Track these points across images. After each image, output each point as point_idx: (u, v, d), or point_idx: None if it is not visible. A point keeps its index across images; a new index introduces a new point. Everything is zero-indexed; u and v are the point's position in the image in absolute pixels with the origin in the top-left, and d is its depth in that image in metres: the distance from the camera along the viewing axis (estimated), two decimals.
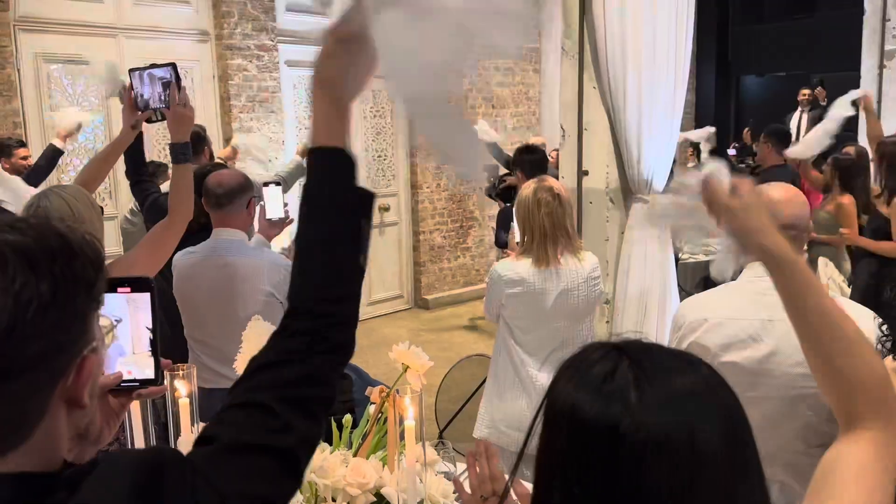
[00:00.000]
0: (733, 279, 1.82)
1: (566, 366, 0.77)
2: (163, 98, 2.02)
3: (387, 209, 6.87)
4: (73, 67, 5.00)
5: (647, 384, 0.70)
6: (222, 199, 2.47)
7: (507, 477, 1.24)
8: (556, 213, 2.40)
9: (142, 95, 2.06)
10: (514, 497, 1.24)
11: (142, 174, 2.90)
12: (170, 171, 2.06)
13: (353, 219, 0.88)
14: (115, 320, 0.95)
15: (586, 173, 3.51)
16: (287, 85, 6.04)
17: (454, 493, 1.54)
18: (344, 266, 0.87)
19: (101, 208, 2.15)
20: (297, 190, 3.84)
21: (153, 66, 2.05)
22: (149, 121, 2.10)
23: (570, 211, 2.45)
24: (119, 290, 0.94)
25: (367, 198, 0.89)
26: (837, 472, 0.90)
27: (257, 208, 2.66)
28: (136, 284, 0.95)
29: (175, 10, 5.50)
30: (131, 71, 2.08)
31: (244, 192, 2.51)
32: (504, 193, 5.26)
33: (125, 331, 0.95)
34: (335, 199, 0.88)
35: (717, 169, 1.15)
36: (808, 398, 1.60)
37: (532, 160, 4.27)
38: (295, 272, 0.88)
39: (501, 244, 5.05)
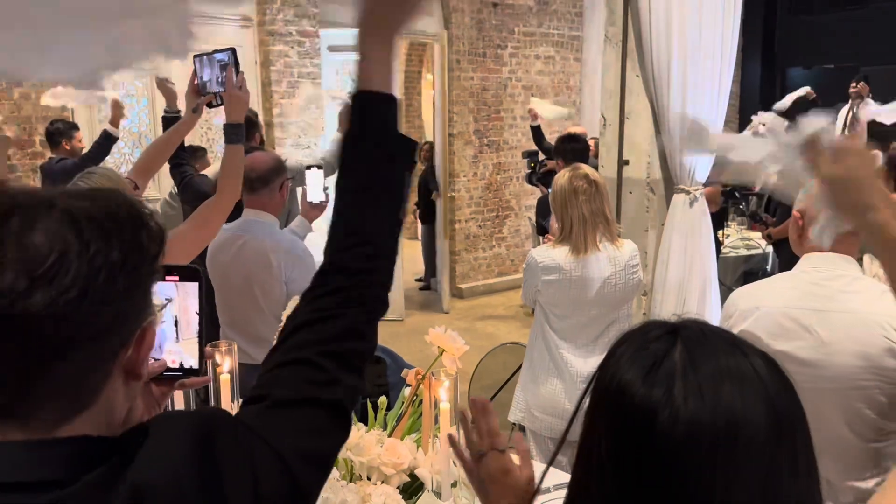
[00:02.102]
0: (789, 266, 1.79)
1: (623, 340, 0.76)
2: (220, 81, 2.04)
3: None
4: None
5: (695, 374, 0.68)
6: (255, 183, 2.48)
7: (509, 436, 1.21)
8: (594, 199, 2.37)
9: (202, 79, 2.09)
10: (514, 456, 1.15)
11: (181, 157, 2.96)
12: (209, 156, 2.09)
13: (396, 168, 0.86)
14: (165, 299, 0.96)
15: (627, 163, 3.47)
16: (328, 71, 6.07)
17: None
18: (384, 219, 0.86)
19: (136, 186, 2.18)
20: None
21: (215, 51, 2.09)
22: (209, 105, 2.13)
23: (607, 197, 2.42)
24: (168, 277, 0.95)
25: (411, 146, 0.87)
26: None
27: (299, 190, 2.67)
28: (185, 273, 0.96)
29: None
30: (195, 56, 2.11)
31: (276, 175, 2.52)
32: (544, 178, 5.19)
33: (171, 317, 0.95)
34: (378, 147, 0.85)
35: (824, 126, 1.00)
36: (862, 391, 1.57)
37: (574, 149, 4.22)
38: (333, 223, 0.87)
39: (542, 231, 5.03)
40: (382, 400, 1.81)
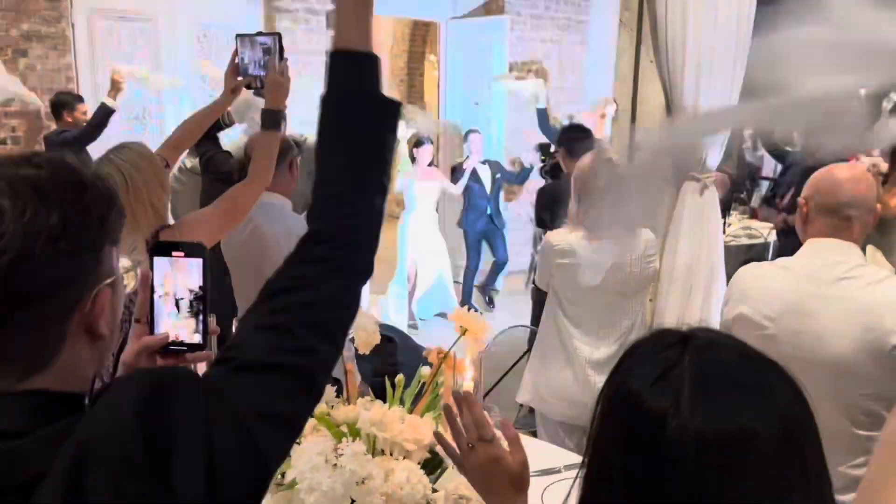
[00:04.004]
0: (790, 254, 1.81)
1: (635, 347, 0.77)
2: (262, 64, 2.02)
3: None
4: (127, 24, 5.04)
5: (704, 385, 0.68)
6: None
7: (497, 421, 1.20)
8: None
9: (242, 60, 2.06)
10: (504, 442, 1.15)
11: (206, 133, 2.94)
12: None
13: (378, 131, 0.83)
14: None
15: (638, 144, 3.47)
16: None
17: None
18: (368, 186, 0.84)
19: (168, 163, 2.16)
20: None
21: (259, 33, 2.07)
22: (248, 87, 2.12)
23: None
24: (174, 253, 0.94)
25: (394, 108, 0.84)
26: None
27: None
28: (191, 249, 0.95)
29: None
30: (238, 36, 2.08)
31: (283, 155, 2.47)
32: (553, 172, 5.03)
33: (176, 293, 0.95)
34: (361, 111, 0.83)
35: None
36: (859, 377, 1.59)
37: (578, 139, 4.02)
38: (316, 190, 0.84)
39: (541, 224, 4.75)
40: (400, 378, 1.81)
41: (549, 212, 4.02)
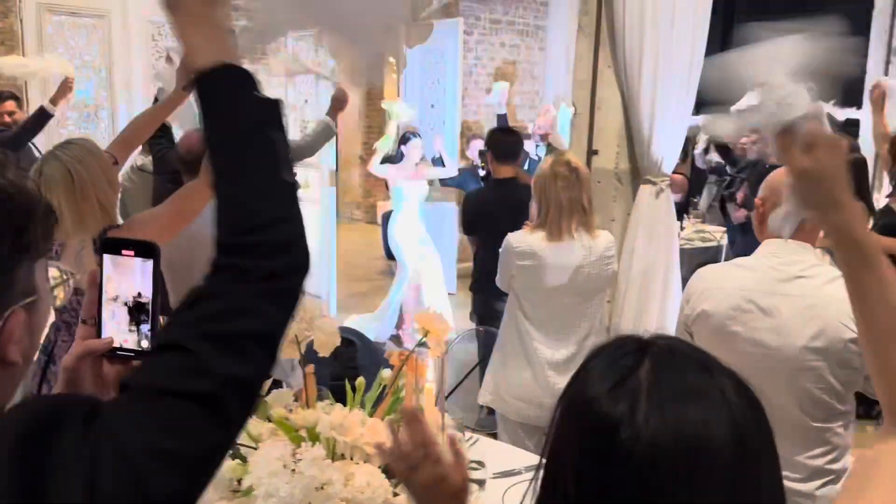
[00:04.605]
0: (746, 254, 1.85)
1: (594, 354, 0.77)
2: None
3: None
4: (78, 20, 4.91)
5: (660, 393, 0.68)
6: (191, 166, 2.38)
7: (445, 439, 1.16)
8: (573, 187, 2.40)
9: None
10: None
11: (159, 130, 2.86)
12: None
13: (263, 133, 0.80)
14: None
15: (596, 153, 3.51)
16: (307, 46, 5.95)
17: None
18: (266, 188, 0.79)
19: (116, 160, 2.10)
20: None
21: None
22: None
23: (588, 186, 2.45)
24: (124, 252, 0.87)
25: (273, 106, 0.81)
26: (883, 466, 0.85)
27: None
28: (142, 249, 0.88)
29: None
30: None
31: None
32: (488, 175, 4.75)
33: (125, 295, 0.88)
34: (237, 119, 0.79)
35: (811, 113, 0.92)
36: (815, 373, 1.65)
37: (506, 142, 3.88)
38: (216, 204, 0.80)
39: (467, 230, 4.21)
40: (360, 381, 1.80)
41: (471, 218, 3.86)
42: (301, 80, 6.07)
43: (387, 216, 7.98)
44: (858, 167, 4.38)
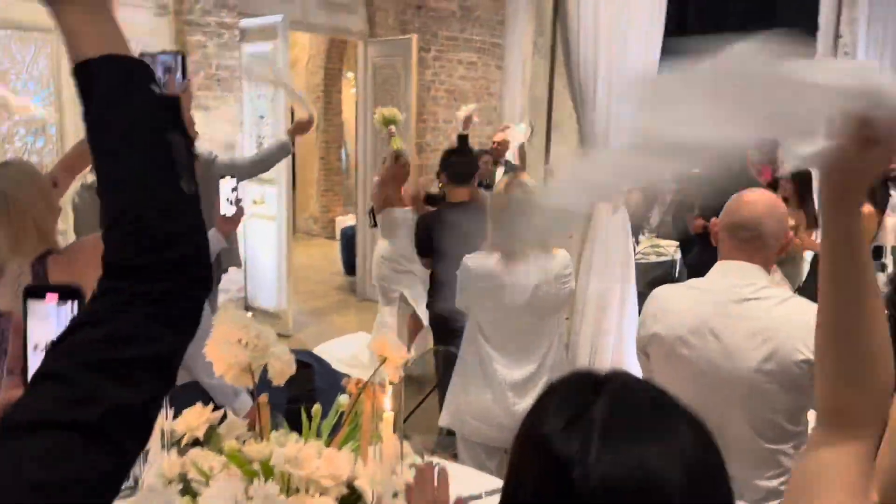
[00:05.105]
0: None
1: (549, 390, 0.76)
2: (162, 83, 1.94)
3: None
4: (23, 34, 4.77)
5: (613, 431, 0.68)
6: None
7: (434, 440, 1.21)
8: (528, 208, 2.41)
9: None
10: None
11: None
12: None
13: (157, 136, 0.71)
14: None
15: (552, 171, 3.54)
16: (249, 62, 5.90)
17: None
18: (160, 199, 0.71)
19: (56, 182, 2.04)
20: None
21: (163, 52, 1.99)
22: None
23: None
24: (48, 296, 0.81)
25: (170, 104, 0.73)
26: (826, 477, 0.86)
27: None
28: (67, 293, 0.81)
29: None
30: (142, 54, 2.00)
31: None
32: (428, 198, 4.55)
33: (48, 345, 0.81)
34: (126, 118, 0.70)
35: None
36: (766, 395, 1.67)
37: (458, 163, 3.79)
38: (102, 220, 0.72)
39: (421, 252, 3.97)
40: (317, 408, 1.76)
41: (425, 241, 3.78)
42: (258, 96, 6.01)
43: (346, 231, 7.96)
44: (803, 178, 4.53)
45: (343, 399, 1.74)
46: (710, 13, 10.79)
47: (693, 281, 1.89)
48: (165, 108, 0.73)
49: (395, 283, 4.69)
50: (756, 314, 1.69)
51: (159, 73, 1.95)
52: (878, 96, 0.77)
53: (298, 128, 3.48)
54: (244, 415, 2.04)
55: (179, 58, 1.97)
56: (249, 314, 5.95)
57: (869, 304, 0.87)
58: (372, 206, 4.92)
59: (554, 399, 0.74)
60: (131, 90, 0.71)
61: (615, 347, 3.46)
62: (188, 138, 0.74)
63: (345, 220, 9.07)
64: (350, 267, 7.62)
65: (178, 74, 1.92)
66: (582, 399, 0.71)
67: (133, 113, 0.71)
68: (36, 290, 0.82)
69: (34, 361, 0.81)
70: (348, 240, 7.67)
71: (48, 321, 0.82)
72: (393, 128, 4.83)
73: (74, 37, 0.72)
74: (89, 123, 0.72)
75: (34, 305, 0.82)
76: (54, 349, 0.69)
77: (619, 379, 0.74)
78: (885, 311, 0.91)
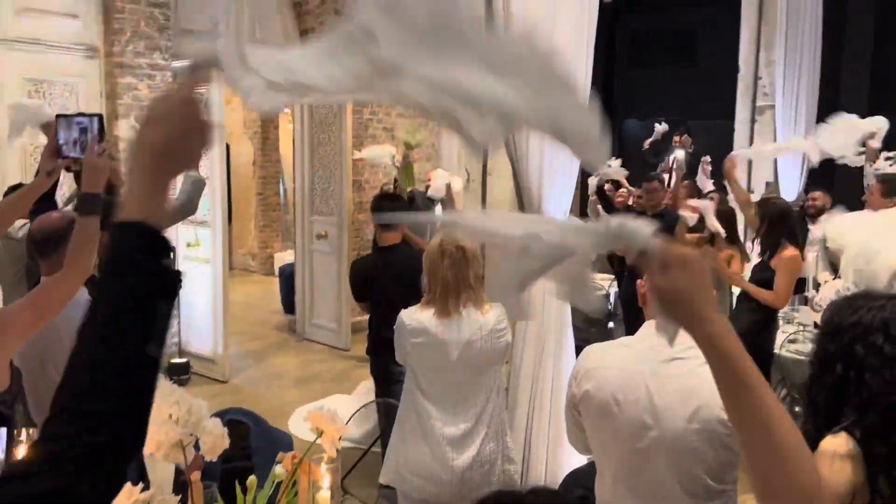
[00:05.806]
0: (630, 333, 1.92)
1: None
2: (79, 144, 1.91)
3: (325, 236, 6.81)
4: None
5: None
6: (41, 246, 2.26)
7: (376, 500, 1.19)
8: (460, 264, 2.43)
9: (58, 141, 1.94)
10: None
11: (40, 209, 2.68)
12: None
13: (149, 302, 0.78)
14: None
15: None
16: None
17: None
18: (124, 356, 0.76)
19: None
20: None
21: (79, 113, 1.95)
22: (67, 169, 1.98)
23: (477, 263, 2.49)
24: None
25: (173, 278, 0.81)
26: None
27: None
28: None
29: (61, 23, 5.19)
30: (58, 116, 1.96)
31: (65, 239, 2.04)
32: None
33: None
34: (127, 279, 0.79)
35: (648, 234, 0.93)
36: (693, 452, 1.70)
37: (391, 208, 3.87)
38: (66, 364, 0.77)
39: (358, 297, 4.02)
40: (252, 480, 1.73)
41: (359, 286, 3.82)
42: None
43: (284, 269, 7.84)
44: (728, 217, 4.71)
45: (279, 469, 1.72)
46: (633, 55, 11.15)
47: (624, 339, 1.93)
48: (168, 280, 0.80)
49: None
50: (681, 372, 1.73)
51: (75, 134, 1.92)
52: (628, 234, 0.92)
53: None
54: None
55: (96, 119, 1.94)
56: (185, 362, 5.77)
57: (763, 413, 0.90)
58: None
59: None
60: (147, 260, 0.80)
61: (554, 391, 3.50)
62: (173, 309, 0.82)
63: (283, 257, 8.95)
64: (289, 305, 7.51)
65: (94, 136, 1.89)
66: None
67: (139, 279, 0.79)
68: None
69: None
70: (287, 278, 7.56)
71: None
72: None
73: (130, 193, 0.82)
74: (105, 269, 0.80)
75: None
76: None
77: (536, 498, 0.77)
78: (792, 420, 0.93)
